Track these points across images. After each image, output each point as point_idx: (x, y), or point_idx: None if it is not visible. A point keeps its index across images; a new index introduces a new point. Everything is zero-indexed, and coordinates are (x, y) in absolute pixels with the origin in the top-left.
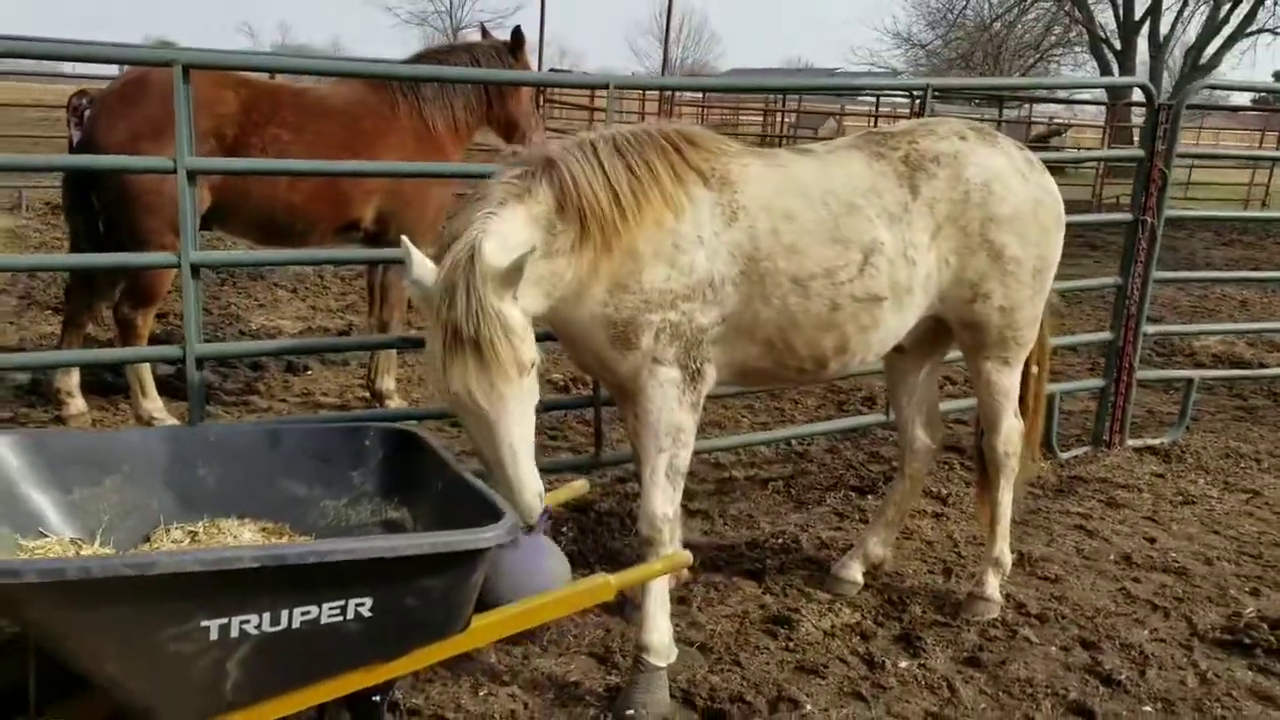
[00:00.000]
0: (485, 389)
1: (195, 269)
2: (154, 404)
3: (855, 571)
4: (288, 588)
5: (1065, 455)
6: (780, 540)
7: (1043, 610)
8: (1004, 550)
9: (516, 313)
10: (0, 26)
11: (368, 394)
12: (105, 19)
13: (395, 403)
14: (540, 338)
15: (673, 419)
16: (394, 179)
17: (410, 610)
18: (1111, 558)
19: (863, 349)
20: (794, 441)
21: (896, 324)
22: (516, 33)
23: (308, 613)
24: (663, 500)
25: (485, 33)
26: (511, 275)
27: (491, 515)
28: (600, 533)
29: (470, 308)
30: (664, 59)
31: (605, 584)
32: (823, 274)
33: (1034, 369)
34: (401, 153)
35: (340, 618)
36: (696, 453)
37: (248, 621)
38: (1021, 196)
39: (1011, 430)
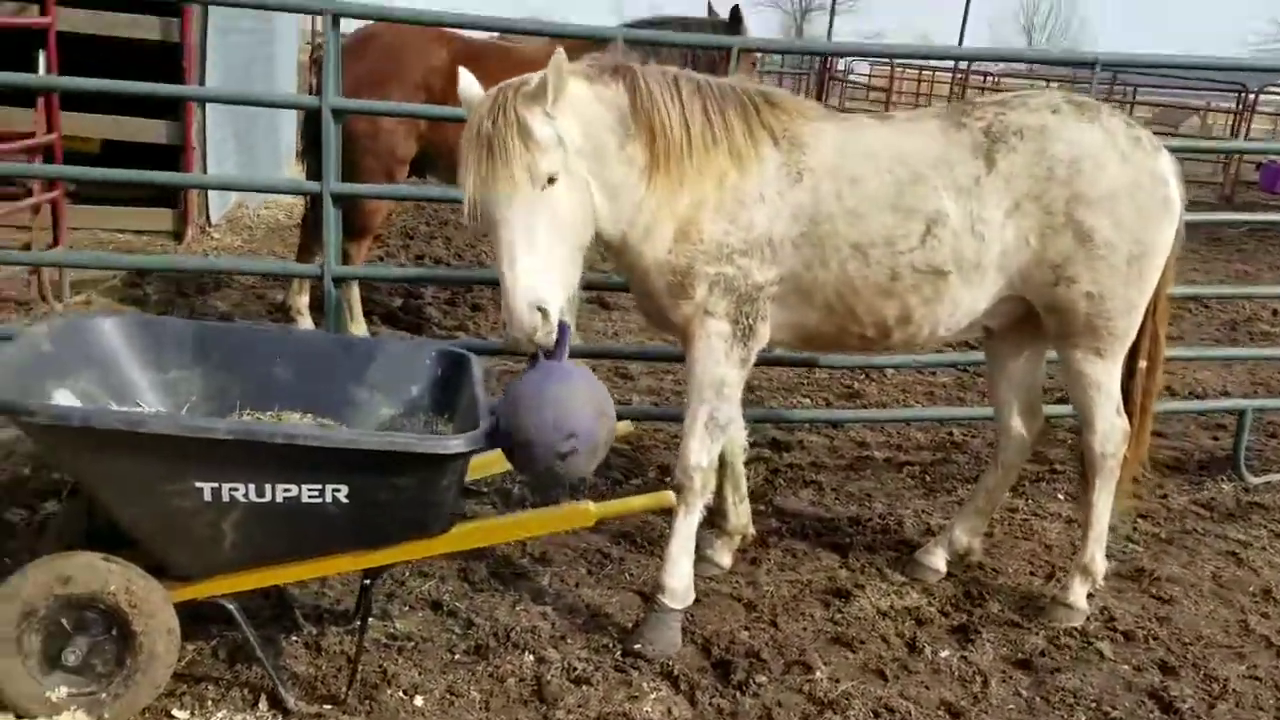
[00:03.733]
0: (493, 189)
1: (335, 198)
2: (359, 327)
3: (937, 559)
4: (267, 463)
5: (1256, 480)
6: (885, 521)
7: (1133, 628)
8: (1096, 557)
9: (544, 125)
10: None
11: None
12: None
13: None
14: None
15: (718, 372)
16: None
17: (386, 505)
18: (1250, 589)
19: (929, 321)
20: (956, 430)
21: (967, 299)
22: (735, 11)
23: (289, 490)
24: (698, 450)
25: (711, 9)
26: (540, 90)
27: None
28: None
29: (494, 111)
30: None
31: (585, 510)
32: (883, 242)
33: (1141, 363)
34: None
35: (319, 499)
36: (837, 425)
37: (236, 489)
38: (1117, 177)
39: (1111, 429)
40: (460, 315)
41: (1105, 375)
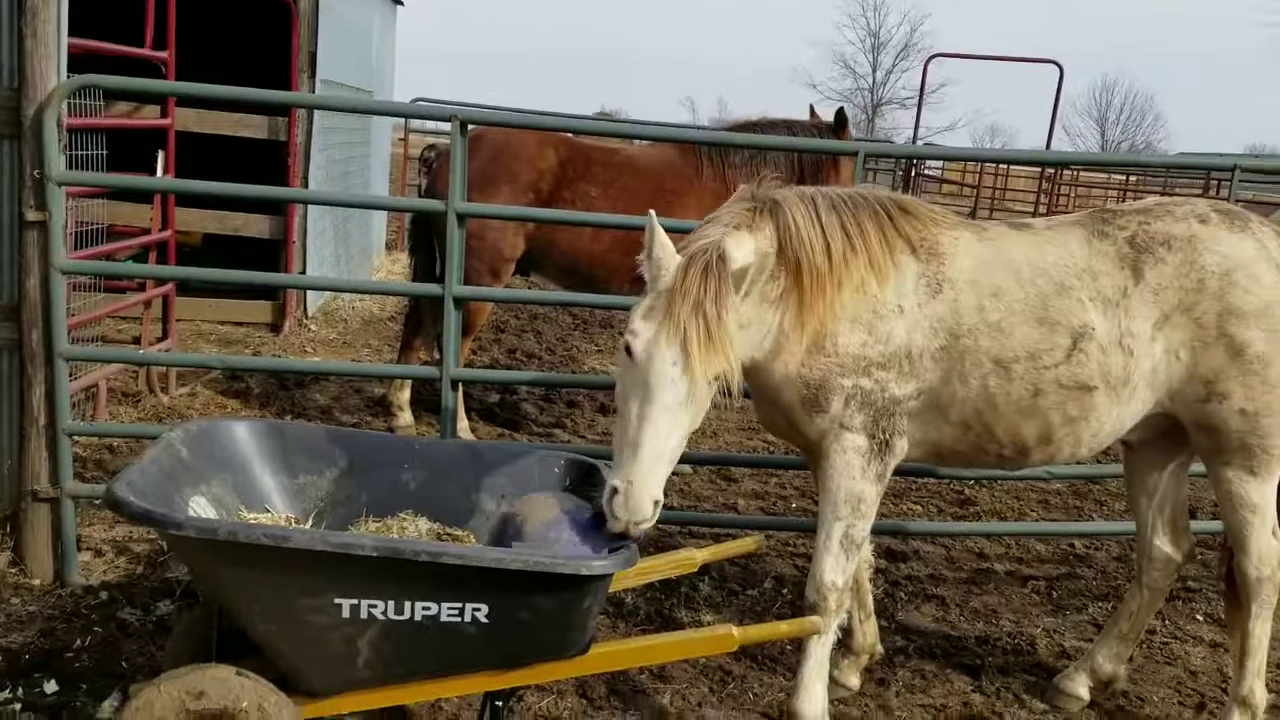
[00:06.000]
0: (665, 358)
1: (456, 300)
2: (463, 423)
3: (1079, 685)
4: (407, 581)
5: None
6: (1016, 641)
7: None
8: (1254, 689)
9: (732, 322)
10: (484, 96)
11: None
12: (568, 92)
13: None
14: None
15: (854, 488)
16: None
17: (525, 624)
18: None
19: (1070, 441)
20: (1078, 543)
21: (1113, 417)
22: (840, 114)
23: (428, 608)
24: (832, 568)
25: (813, 112)
26: (740, 277)
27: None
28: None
29: (704, 294)
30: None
31: (729, 635)
32: (1026, 356)
33: None
34: (701, 212)
35: (459, 619)
36: (955, 537)
37: (375, 606)
38: (1273, 289)
39: (1267, 551)
40: (556, 412)
41: (1260, 495)
